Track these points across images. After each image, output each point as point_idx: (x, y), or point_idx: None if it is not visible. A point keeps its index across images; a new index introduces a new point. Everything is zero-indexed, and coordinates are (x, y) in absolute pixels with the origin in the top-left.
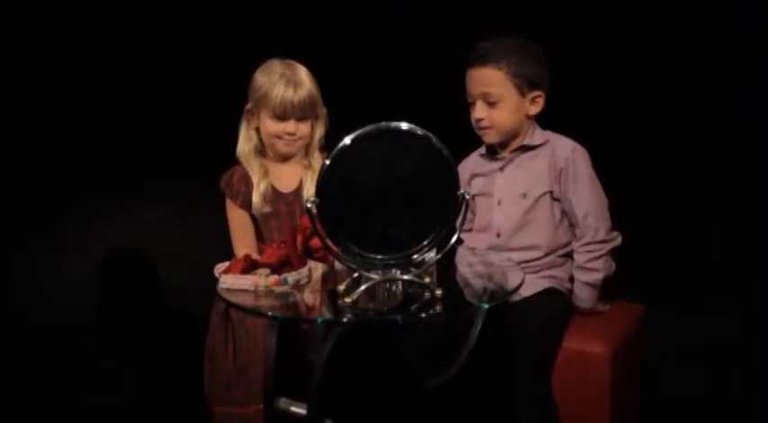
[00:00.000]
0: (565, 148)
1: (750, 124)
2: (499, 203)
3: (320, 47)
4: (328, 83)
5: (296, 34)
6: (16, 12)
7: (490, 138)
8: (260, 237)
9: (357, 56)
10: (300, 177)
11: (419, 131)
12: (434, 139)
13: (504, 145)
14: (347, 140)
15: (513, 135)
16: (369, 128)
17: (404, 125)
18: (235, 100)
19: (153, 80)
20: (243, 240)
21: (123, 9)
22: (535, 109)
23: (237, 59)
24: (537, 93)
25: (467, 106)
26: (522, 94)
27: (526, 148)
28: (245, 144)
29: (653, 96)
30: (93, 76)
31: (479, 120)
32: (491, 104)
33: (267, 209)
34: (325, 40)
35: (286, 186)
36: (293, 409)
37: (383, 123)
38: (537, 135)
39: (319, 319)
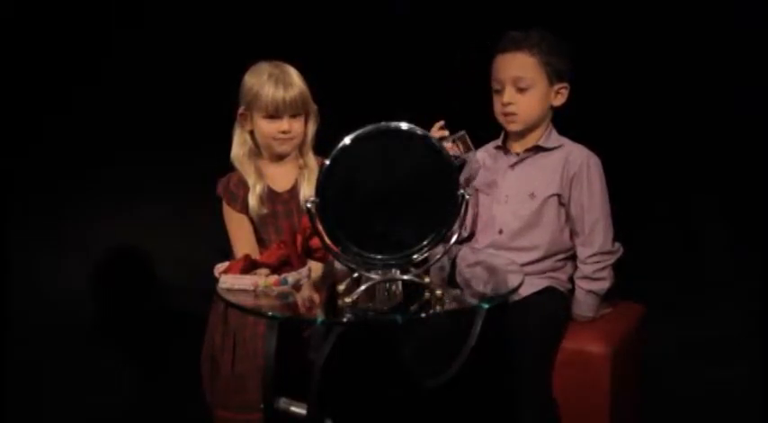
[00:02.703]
0: (580, 154)
1: (750, 124)
2: (506, 201)
3: (320, 47)
4: (328, 83)
5: (296, 34)
6: (16, 12)
7: (515, 126)
8: (258, 239)
9: (357, 56)
10: (295, 177)
11: (419, 131)
12: (434, 139)
13: (519, 141)
14: (347, 140)
15: (534, 126)
16: (369, 128)
17: (404, 125)
18: (235, 100)
19: (153, 80)
20: (243, 244)
21: (124, 9)
22: (559, 100)
23: (237, 60)
24: (563, 84)
25: (487, 92)
26: (551, 83)
27: (540, 149)
28: (238, 148)
29: (653, 96)
30: (94, 75)
31: (508, 104)
32: (521, 90)
33: (264, 210)
34: (325, 41)
35: (281, 186)
36: (293, 409)
37: (383, 123)
38: (553, 137)
39: (319, 319)
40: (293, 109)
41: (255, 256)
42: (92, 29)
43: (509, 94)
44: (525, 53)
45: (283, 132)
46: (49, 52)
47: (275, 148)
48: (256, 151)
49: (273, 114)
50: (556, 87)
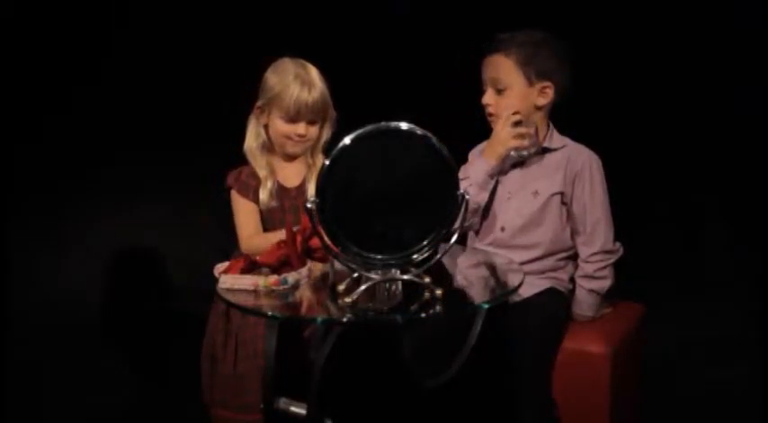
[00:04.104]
0: (582, 154)
1: (750, 124)
2: (509, 198)
3: (320, 47)
4: (328, 83)
5: (295, 34)
6: (16, 12)
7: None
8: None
9: (357, 56)
10: (304, 174)
11: (419, 131)
12: (434, 139)
13: None
14: (347, 140)
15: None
16: (369, 128)
17: (404, 125)
18: (235, 100)
19: (153, 80)
20: (250, 223)
21: (124, 9)
22: (543, 100)
23: (237, 60)
24: (546, 83)
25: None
26: (530, 82)
27: (545, 149)
28: (252, 140)
29: (653, 96)
30: (94, 75)
31: (486, 105)
32: (499, 91)
33: (273, 204)
34: (324, 41)
35: (290, 182)
36: (293, 409)
37: (383, 123)
38: (555, 137)
39: (319, 319)
40: (313, 114)
41: (260, 234)
42: (92, 29)
43: (488, 95)
44: (501, 55)
45: (299, 136)
46: (48, 52)
47: (287, 148)
48: (269, 146)
49: (293, 117)
50: (538, 87)
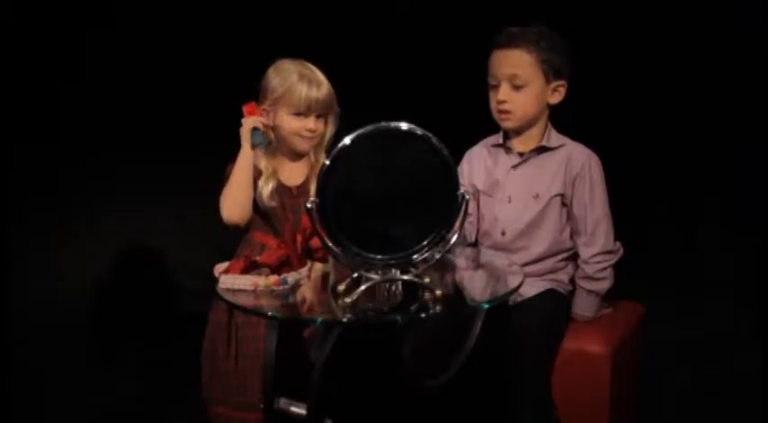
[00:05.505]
0: (582, 154)
1: (750, 124)
2: (509, 201)
3: (320, 47)
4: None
5: (295, 34)
6: (16, 12)
7: (509, 123)
8: (262, 229)
9: (357, 56)
10: (307, 173)
11: (419, 131)
12: (434, 139)
13: (519, 139)
14: (347, 140)
15: (530, 124)
16: (369, 128)
17: (404, 125)
18: (235, 100)
19: (154, 80)
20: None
21: (124, 9)
22: (556, 98)
23: (238, 59)
24: (560, 82)
25: (486, 91)
26: (548, 80)
27: (542, 149)
28: None
29: (653, 96)
30: (94, 75)
31: (502, 102)
32: (516, 88)
33: (274, 203)
34: (324, 40)
35: (292, 181)
36: (293, 409)
37: (383, 123)
38: (554, 137)
39: (319, 320)
40: (323, 108)
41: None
42: (92, 28)
43: (504, 91)
44: (522, 50)
45: (309, 131)
46: (49, 52)
47: (297, 145)
48: (272, 147)
49: (304, 112)
50: (553, 85)
